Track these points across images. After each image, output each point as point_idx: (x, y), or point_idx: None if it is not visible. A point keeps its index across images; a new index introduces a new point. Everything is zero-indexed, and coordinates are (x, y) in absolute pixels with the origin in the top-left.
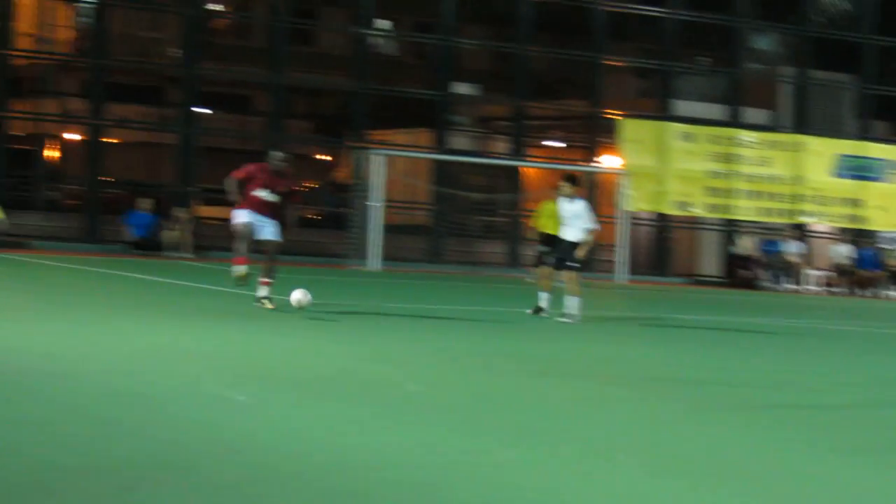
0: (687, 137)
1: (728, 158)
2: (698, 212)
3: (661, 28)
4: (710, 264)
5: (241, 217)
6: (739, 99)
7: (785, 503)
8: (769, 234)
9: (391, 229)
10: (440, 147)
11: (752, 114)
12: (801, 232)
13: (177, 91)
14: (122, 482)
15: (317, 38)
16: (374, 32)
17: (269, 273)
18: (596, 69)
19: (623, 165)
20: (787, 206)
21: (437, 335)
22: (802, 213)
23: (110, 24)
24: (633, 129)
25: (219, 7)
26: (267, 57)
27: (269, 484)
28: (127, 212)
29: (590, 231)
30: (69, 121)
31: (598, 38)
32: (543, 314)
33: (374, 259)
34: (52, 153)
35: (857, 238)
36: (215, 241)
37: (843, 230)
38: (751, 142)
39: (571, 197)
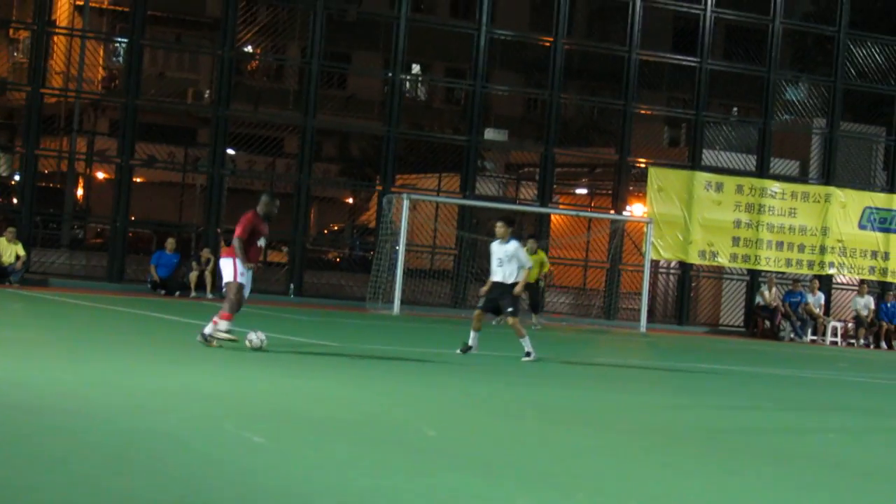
0: (714, 187)
1: (755, 208)
2: (723, 261)
3: (693, 77)
4: (733, 314)
5: (242, 279)
6: (768, 149)
7: None
8: (793, 285)
9: (414, 273)
10: (467, 192)
11: (781, 164)
12: (823, 283)
13: (207, 131)
14: None
15: (349, 82)
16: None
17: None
18: (626, 117)
19: (649, 214)
20: (812, 257)
21: (456, 380)
22: (827, 264)
23: (143, 63)
24: (660, 178)
25: (251, 49)
26: (298, 99)
27: None
28: (153, 251)
29: (524, 270)
30: (98, 159)
31: (630, 86)
32: (472, 352)
33: (396, 303)
34: (80, 191)
35: (880, 290)
36: None
37: (866, 282)
38: (778, 192)
39: (505, 239)
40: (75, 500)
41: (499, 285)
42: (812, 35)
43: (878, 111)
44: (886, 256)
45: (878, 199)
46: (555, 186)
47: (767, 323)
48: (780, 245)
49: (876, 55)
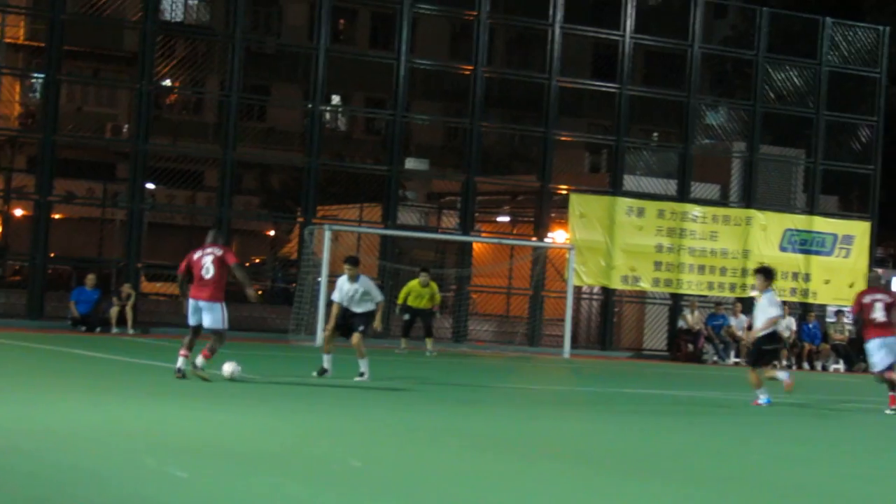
0: (636, 212)
1: (676, 233)
2: (645, 286)
3: (613, 103)
4: (656, 338)
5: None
6: (689, 173)
7: None
8: (715, 308)
9: None
10: (389, 222)
11: (701, 188)
12: (745, 306)
13: (126, 166)
14: None
15: (269, 114)
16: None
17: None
18: (547, 144)
19: (571, 240)
20: (733, 279)
21: (380, 410)
22: (749, 286)
23: (60, 99)
24: (581, 204)
25: (170, 82)
26: (218, 132)
27: None
28: (72, 288)
29: (378, 304)
30: (16, 196)
31: (550, 114)
32: (327, 374)
33: (319, 334)
34: None
35: (802, 311)
36: (160, 317)
37: (787, 303)
38: (699, 216)
39: (355, 277)
40: None
41: (354, 314)
42: (731, 59)
43: (797, 134)
44: (808, 278)
45: (799, 221)
46: (477, 214)
47: (690, 346)
48: (701, 269)
49: (794, 78)
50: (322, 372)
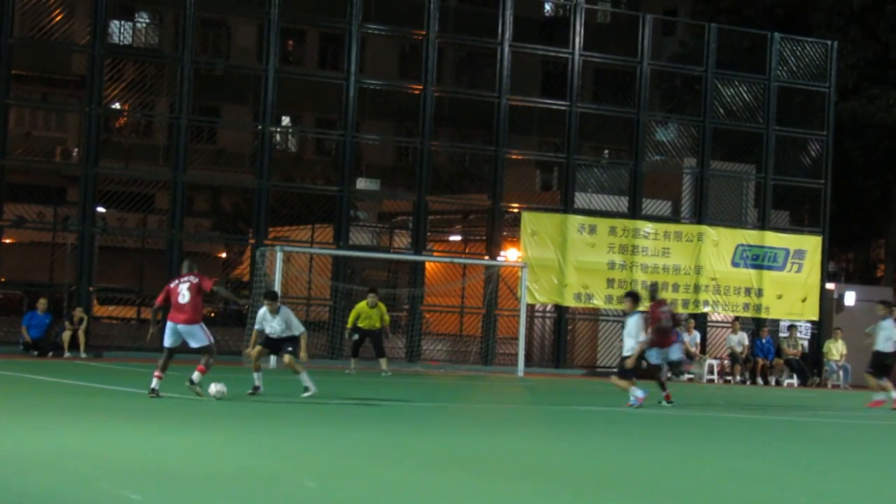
0: (587, 229)
1: (628, 249)
2: (598, 303)
3: (564, 121)
4: (610, 356)
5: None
6: (640, 190)
7: None
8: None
9: None
10: (341, 243)
11: (653, 205)
12: (698, 322)
13: (76, 190)
14: None
15: (219, 135)
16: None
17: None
18: (498, 162)
19: (524, 258)
20: (686, 296)
21: (334, 429)
22: (702, 302)
23: (9, 123)
24: (533, 222)
25: (119, 105)
26: (168, 154)
27: None
28: (24, 312)
29: (301, 335)
30: None
31: (500, 132)
32: (259, 391)
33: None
34: None
35: (755, 326)
36: (113, 341)
37: (739, 319)
38: (651, 233)
39: (275, 310)
40: None
41: (287, 338)
42: (680, 76)
43: (747, 149)
44: (760, 293)
45: (750, 237)
46: (428, 234)
47: (645, 363)
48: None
49: (743, 94)
50: (255, 390)
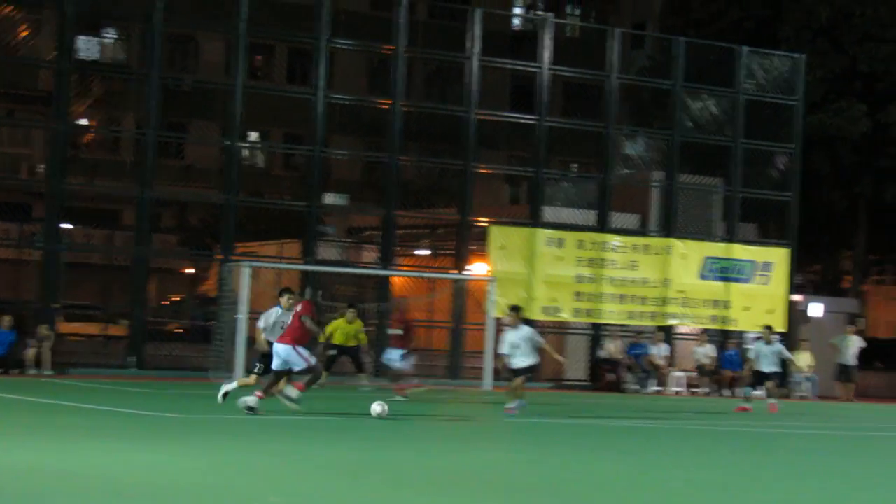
0: (556, 243)
1: (596, 263)
2: (566, 317)
3: (532, 135)
4: (577, 368)
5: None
6: (608, 204)
7: None
8: (635, 338)
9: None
10: (309, 258)
11: (621, 218)
12: (666, 334)
13: (42, 206)
14: None
15: (186, 151)
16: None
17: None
18: (466, 177)
19: (492, 272)
20: (654, 308)
21: (301, 445)
22: (669, 315)
23: None
24: (501, 236)
25: (86, 121)
26: (135, 170)
27: None
28: None
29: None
30: None
31: (469, 146)
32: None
33: (239, 372)
34: None
35: (722, 339)
36: (78, 358)
37: (706, 331)
38: (619, 246)
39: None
40: None
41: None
42: (648, 89)
43: (715, 162)
44: (727, 305)
45: (718, 249)
46: (397, 249)
47: (611, 375)
48: (622, 298)
49: (712, 107)
50: (225, 396)
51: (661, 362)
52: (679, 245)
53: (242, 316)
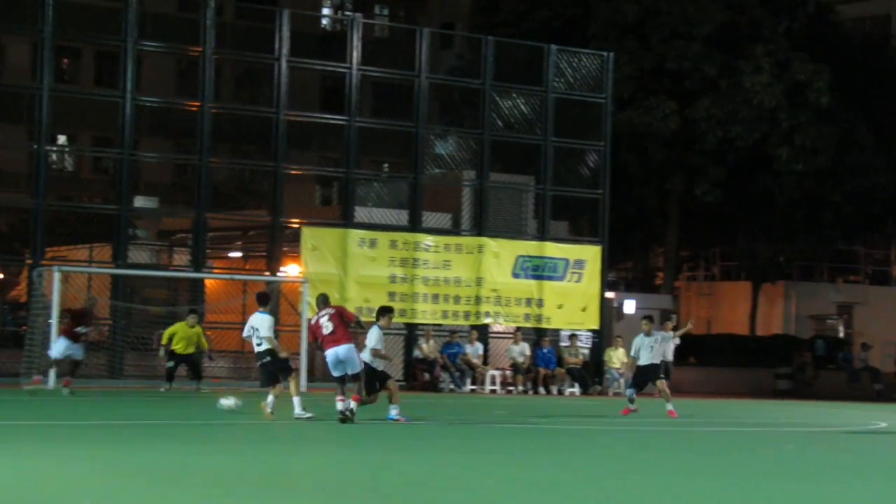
0: (368, 243)
1: (409, 263)
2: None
3: (343, 136)
4: (392, 368)
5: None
6: (420, 203)
7: None
8: (450, 337)
9: None
10: (120, 261)
11: (434, 218)
12: (481, 333)
13: None
14: None
15: None
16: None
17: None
18: (277, 178)
19: (305, 273)
20: (468, 307)
21: (116, 450)
22: (483, 314)
23: None
24: (313, 237)
25: None
26: None
27: None
28: None
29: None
30: None
31: (279, 148)
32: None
33: (51, 377)
34: None
35: (536, 337)
36: None
37: (520, 329)
38: (432, 245)
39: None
40: None
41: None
42: (458, 89)
43: (526, 161)
44: (541, 303)
45: (530, 248)
46: (208, 251)
47: (427, 375)
48: (435, 297)
49: (521, 106)
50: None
51: (476, 361)
52: (491, 244)
53: (54, 321)
